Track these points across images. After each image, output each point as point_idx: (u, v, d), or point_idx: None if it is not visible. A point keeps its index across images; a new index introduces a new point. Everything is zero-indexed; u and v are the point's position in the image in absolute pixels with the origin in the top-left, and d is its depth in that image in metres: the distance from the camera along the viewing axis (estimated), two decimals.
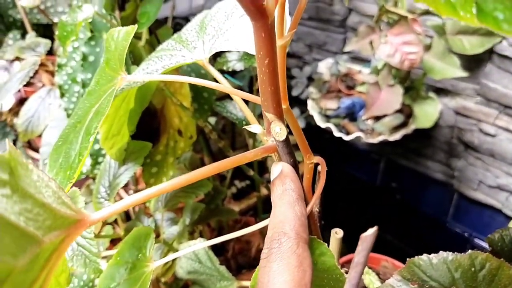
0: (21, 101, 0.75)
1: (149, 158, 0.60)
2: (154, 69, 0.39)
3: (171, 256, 0.40)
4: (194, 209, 0.62)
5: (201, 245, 0.56)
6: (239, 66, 0.58)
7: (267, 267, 0.24)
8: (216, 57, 0.63)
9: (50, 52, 0.79)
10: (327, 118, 1.25)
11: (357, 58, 1.35)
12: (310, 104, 1.28)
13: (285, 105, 0.29)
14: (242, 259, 0.59)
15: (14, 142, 1.02)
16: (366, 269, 0.57)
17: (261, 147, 0.31)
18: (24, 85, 0.71)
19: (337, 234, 0.37)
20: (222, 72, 0.62)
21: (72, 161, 0.29)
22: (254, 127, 0.32)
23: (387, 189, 1.41)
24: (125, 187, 0.81)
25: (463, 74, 0.97)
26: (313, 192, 0.36)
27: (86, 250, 0.40)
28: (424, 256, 0.26)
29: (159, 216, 0.66)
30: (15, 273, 0.16)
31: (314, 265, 0.27)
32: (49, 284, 0.20)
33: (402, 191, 1.40)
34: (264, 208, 0.91)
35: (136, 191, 0.69)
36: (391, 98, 0.94)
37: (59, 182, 0.30)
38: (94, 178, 0.58)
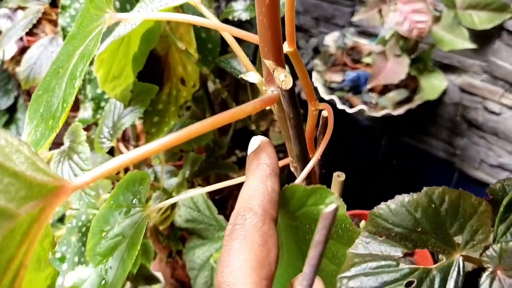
0: (23, 50, 0.74)
1: (151, 106, 0.59)
2: (145, 11, 0.38)
3: (169, 201, 0.39)
4: (195, 160, 0.61)
5: (199, 191, 0.56)
6: (245, 16, 0.57)
7: (228, 245, 0.22)
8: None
9: (54, 4, 0.78)
10: (331, 90, 1.24)
11: (364, 32, 1.33)
12: (314, 76, 1.26)
13: (292, 47, 0.27)
14: None
15: (16, 99, 1.02)
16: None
17: (259, 99, 0.29)
18: (27, 35, 0.70)
19: (339, 177, 0.37)
20: (227, 22, 0.61)
21: (55, 110, 0.27)
22: (251, 76, 0.29)
23: (387, 166, 1.41)
24: (126, 142, 0.81)
25: (472, 46, 0.96)
26: (316, 142, 0.35)
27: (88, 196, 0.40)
28: (382, 205, 0.25)
29: (159, 168, 0.66)
30: None
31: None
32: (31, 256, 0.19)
33: (403, 168, 1.39)
34: None
35: (136, 146, 0.69)
36: (398, 68, 0.93)
37: (39, 134, 0.28)
38: (96, 124, 0.58)
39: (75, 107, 0.60)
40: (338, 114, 1.28)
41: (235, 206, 0.25)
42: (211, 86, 0.83)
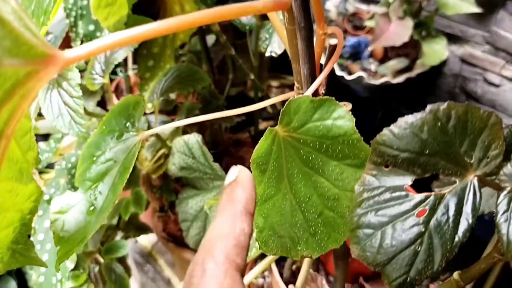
0: None
1: (145, 49, 0.57)
2: None
3: (173, 125, 0.37)
4: (190, 109, 0.59)
5: (194, 138, 0.54)
6: None
7: None
8: None
9: None
10: None
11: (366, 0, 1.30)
12: (315, 41, 1.23)
13: None
14: None
15: None
16: None
17: (271, 0, 0.28)
18: None
19: (346, 106, 0.35)
20: None
21: (46, 5, 0.26)
22: None
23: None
24: (119, 94, 0.79)
25: (477, 10, 0.94)
26: (321, 70, 0.33)
27: (72, 110, 0.38)
28: (385, 130, 0.23)
29: (153, 118, 0.64)
30: None
31: (328, 131, 0.25)
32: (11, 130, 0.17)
33: None
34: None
35: None
36: (401, 30, 0.91)
37: None
38: (86, 63, 0.55)
39: (67, 45, 0.57)
40: (336, 84, 1.26)
41: (198, 251, 0.21)
42: (209, 40, 0.80)
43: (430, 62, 1.00)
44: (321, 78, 0.29)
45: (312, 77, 0.30)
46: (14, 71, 0.15)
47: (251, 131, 0.80)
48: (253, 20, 0.65)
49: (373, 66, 1.15)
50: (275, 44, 0.58)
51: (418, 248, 0.21)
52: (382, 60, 1.15)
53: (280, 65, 1.30)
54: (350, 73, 1.15)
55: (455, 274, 0.35)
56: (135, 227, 0.61)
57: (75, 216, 0.34)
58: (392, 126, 0.23)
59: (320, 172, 0.25)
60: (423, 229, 0.22)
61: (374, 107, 1.40)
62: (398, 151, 0.22)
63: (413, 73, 1.09)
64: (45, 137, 0.68)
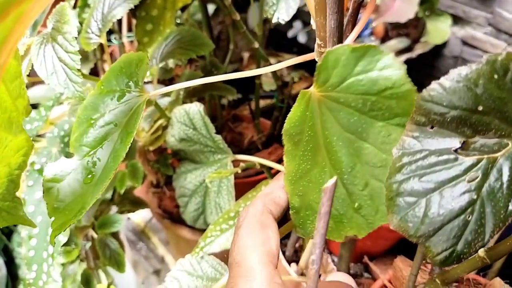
0: None
1: (144, 11, 0.53)
2: None
3: (176, 86, 0.34)
4: (190, 77, 0.56)
5: (196, 107, 0.51)
6: None
7: (235, 233, 0.26)
8: None
9: None
10: None
11: None
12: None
13: None
14: (234, 149, 0.55)
15: None
16: None
17: None
18: None
19: None
20: None
21: None
22: None
23: None
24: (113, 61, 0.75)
25: None
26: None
27: (68, 67, 0.34)
28: (434, 84, 0.20)
29: (151, 88, 0.60)
30: None
31: (373, 84, 0.22)
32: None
33: None
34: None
35: None
36: (406, 6, 0.88)
37: None
38: (81, 23, 0.51)
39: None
40: None
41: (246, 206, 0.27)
42: (210, 9, 0.76)
43: (434, 41, 0.97)
44: (356, 31, 0.26)
45: (340, 31, 0.27)
46: None
47: (251, 107, 0.77)
48: None
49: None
50: (282, 10, 0.55)
51: (469, 217, 0.19)
52: (383, 40, 1.13)
53: (276, 43, 1.26)
54: None
55: (481, 251, 0.33)
56: (130, 202, 0.58)
57: (71, 184, 0.31)
58: (442, 79, 0.20)
59: (364, 136, 0.23)
60: (475, 196, 0.19)
61: None
62: (448, 108, 0.20)
63: (413, 54, 1.07)
64: (34, 107, 0.65)
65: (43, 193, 0.30)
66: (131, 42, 0.73)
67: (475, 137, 0.20)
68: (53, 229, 0.28)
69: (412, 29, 1.11)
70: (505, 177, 0.19)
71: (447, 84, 0.20)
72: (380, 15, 0.92)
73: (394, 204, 0.20)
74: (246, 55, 1.22)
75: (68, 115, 0.52)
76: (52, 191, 0.30)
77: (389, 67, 0.21)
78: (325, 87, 0.23)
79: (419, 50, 1.07)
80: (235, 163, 0.56)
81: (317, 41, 0.30)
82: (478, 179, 0.19)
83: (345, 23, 0.30)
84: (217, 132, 0.54)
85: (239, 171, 0.51)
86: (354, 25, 0.29)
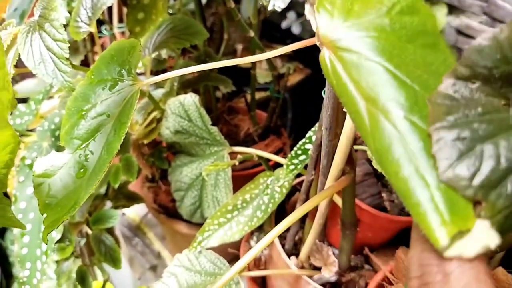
0: None
1: (135, 0, 0.51)
2: None
3: (171, 74, 0.33)
4: (184, 67, 0.54)
5: (191, 98, 0.50)
6: None
7: None
8: None
9: None
10: None
11: None
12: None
13: None
14: (230, 141, 0.54)
15: None
16: None
17: None
18: None
19: None
20: None
21: None
22: None
23: None
24: None
25: None
26: None
27: (56, 56, 0.33)
28: (486, 34, 0.18)
29: (144, 78, 0.58)
30: None
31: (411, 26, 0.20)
32: None
33: None
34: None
35: None
36: None
37: None
38: (70, 13, 0.49)
39: None
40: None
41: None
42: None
43: None
44: None
45: None
46: None
47: (247, 99, 0.76)
48: None
49: None
50: None
51: None
52: None
53: (270, 34, 1.24)
54: None
55: None
56: (125, 197, 0.57)
57: (62, 179, 0.30)
58: (498, 29, 0.18)
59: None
60: None
61: None
62: (500, 62, 0.18)
63: None
64: (24, 101, 0.63)
65: (34, 189, 0.28)
66: (122, 33, 0.71)
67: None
68: (45, 226, 0.27)
69: None
70: None
71: (503, 34, 0.18)
72: None
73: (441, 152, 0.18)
74: (239, 47, 1.20)
75: (59, 108, 0.50)
76: (43, 187, 0.29)
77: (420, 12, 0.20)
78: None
79: None
80: (232, 155, 0.55)
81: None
82: None
83: None
84: (213, 124, 0.53)
85: (237, 163, 0.50)
86: None
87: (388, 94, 0.20)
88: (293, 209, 0.49)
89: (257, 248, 0.37)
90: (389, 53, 0.21)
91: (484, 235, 0.16)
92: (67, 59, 0.33)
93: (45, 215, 0.28)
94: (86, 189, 0.28)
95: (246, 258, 0.38)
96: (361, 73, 0.21)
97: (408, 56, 0.21)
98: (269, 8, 0.53)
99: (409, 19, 0.20)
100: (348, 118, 0.35)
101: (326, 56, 0.23)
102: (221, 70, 0.74)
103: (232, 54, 1.19)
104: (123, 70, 0.29)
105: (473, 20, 1.31)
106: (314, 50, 0.27)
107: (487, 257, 0.17)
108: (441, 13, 0.98)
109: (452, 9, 1.27)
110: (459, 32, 1.28)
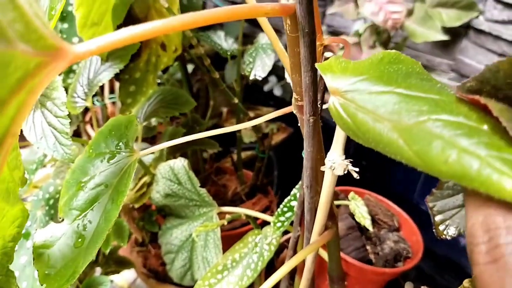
0: None
1: (127, 74, 0.55)
2: None
3: (159, 146, 0.36)
4: (173, 134, 0.57)
5: (180, 163, 0.52)
6: None
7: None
8: None
9: None
10: None
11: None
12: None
13: None
14: (218, 201, 0.56)
15: None
16: (353, 195, 0.55)
17: (278, 4, 0.27)
18: None
19: None
20: None
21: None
22: None
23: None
24: (96, 125, 0.76)
25: (444, 37, 0.98)
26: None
27: (57, 131, 0.35)
28: (506, 59, 0.20)
29: (135, 146, 0.61)
30: None
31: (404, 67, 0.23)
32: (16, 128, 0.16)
33: (372, 169, 1.40)
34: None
35: None
36: None
37: None
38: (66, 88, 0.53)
39: None
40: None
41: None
42: (189, 68, 0.80)
43: None
44: None
45: (314, 86, 0.29)
46: (25, 60, 0.14)
47: (233, 159, 0.79)
48: (234, 46, 0.66)
49: None
50: (258, 67, 0.58)
51: None
52: None
53: (253, 97, 1.31)
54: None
55: (465, 282, 0.34)
56: (115, 262, 0.57)
57: (61, 249, 0.31)
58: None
59: None
60: None
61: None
62: (508, 86, 0.19)
63: None
64: None
65: (34, 260, 0.30)
66: (113, 103, 0.75)
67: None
68: None
69: None
70: None
71: None
72: None
73: None
74: (224, 109, 1.26)
75: (53, 177, 0.52)
76: (43, 257, 0.30)
77: None
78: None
79: None
80: (221, 215, 0.56)
81: (294, 95, 0.33)
82: None
83: (318, 77, 0.33)
84: (201, 186, 0.55)
85: (225, 223, 0.52)
86: None
87: (409, 107, 0.22)
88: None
89: None
90: (394, 82, 0.24)
91: None
92: (67, 133, 0.35)
93: (44, 285, 0.29)
94: (84, 258, 0.29)
95: None
96: (375, 103, 0.24)
97: (411, 83, 0.24)
98: (251, 77, 0.58)
99: (398, 67, 0.23)
100: (327, 175, 0.37)
101: (336, 103, 0.25)
102: (208, 129, 0.78)
103: (218, 116, 1.24)
104: (121, 143, 0.32)
105: (443, 77, 1.39)
106: None
107: None
108: None
109: (424, 68, 1.35)
110: None
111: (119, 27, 0.46)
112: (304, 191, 0.40)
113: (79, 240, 0.31)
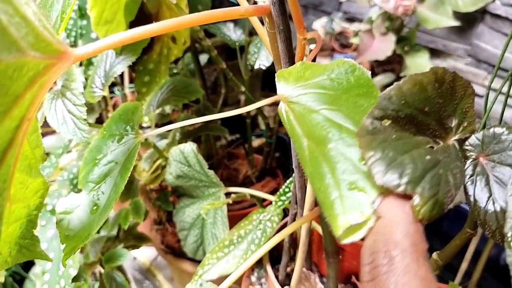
0: None
1: (142, 66, 0.60)
2: None
3: (168, 127, 0.40)
4: (186, 119, 0.62)
5: (189, 147, 0.57)
6: None
7: None
8: None
9: None
10: None
11: (351, 19, 1.36)
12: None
13: None
14: (230, 184, 0.60)
15: None
16: None
17: (253, 5, 0.31)
18: None
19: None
20: None
21: (54, 22, 0.29)
22: None
23: None
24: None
25: (455, 23, 0.99)
26: None
27: (76, 117, 0.40)
28: (394, 85, 0.24)
29: (149, 131, 0.67)
30: (1, 68, 0.16)
31: (347, 82, 0.27)
32: (32, 115, 0.20)
33: None
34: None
35: None
36: (384, 45, 0.95)
37: None
38: (87, 79, 0.58)
39: None
40: None
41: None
42: (202, 60, 0.84)
43: None
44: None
45: None
46: (36, 63, 0.18)
47: (246, 148, 0.83)
48: (242, 37, 0.69)
49: None
50: (263, 57, 0.62)
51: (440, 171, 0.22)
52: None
53: (272, 84, 1.34)
54: None
55: (434, 254, 0.37)
56: (135, 237, 0.63)
57: (79, 215, 0.36)
58: (401, 82, 0.24)
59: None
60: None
61: None
62: (404, 106, 0.24)
63: None
64: (46, 155, 0.71)
65: (56, 224, 0.35)
66: (132, 92, 0.81)
67: (416, 135, 0.25)
68: (65, 253, 0.34)
69: (396, 64, 1.19)
70: None
71: (405, 86, 0.24)
72: (360, 54, 0.99)
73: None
74: (242, 97, 1.30)
75: (77, 160, 0.58)
76: (63, 222, 0.35)
77: (357, 70, 0.27)
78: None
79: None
80: (228, 195, 0.61)
81: None
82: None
83: None
84: (214, 169, 0.60)
85: (230, 202, 0.56)
86: None
87: (322, 133, 0.26)
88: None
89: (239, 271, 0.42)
90: (326, 102, 0.28)
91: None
92: (85, 119, 0.40)
93: (64, 244, 0.35)
94: (97, 222, 0.34)
95: None
96: (305, 119, 0.28)
97: (343, 103, 0.27)
98: (256, 67, 0.61)
99: (346, 78, 0.27)
100: None
101: (282, 109, 0.30)
102: (224, 119, 0.82)
103: (236, 103, 1.28)
104: (128, 126, 0.37)
105: (460, 62, 1.39)
106: None
107: (426, 252, 0.19)
108: (423, 59, 1.06)
109: (440, 53, 1.35)
110: None
111: (131, 23, 0.51)
112: (294, 171, 0.44)
113: (94, 208, 0.36)
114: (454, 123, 0.25)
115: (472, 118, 0.25)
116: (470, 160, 0.25)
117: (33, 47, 0.18)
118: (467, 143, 0.26)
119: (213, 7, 0.64)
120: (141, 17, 0.56)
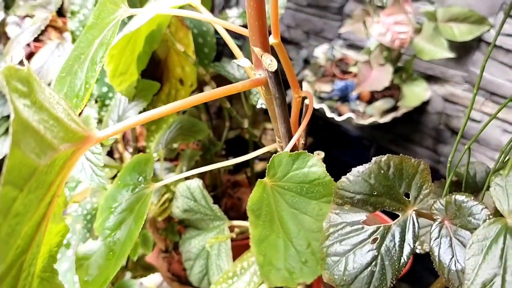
0: (30, 56, 0.79)
1: (151, 105, 0.64)
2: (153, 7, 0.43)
3: (178, 175, 0.44)
4: (191, 156, 0.66)
5: (196, 183, 0.61)
6: (238, 22, 0.62)
7: None
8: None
9: (60, 13, 0.83)
10: (321, 100, 1.30)
11: (352, 45, 1.40)
12: (305, 86, 1.32)
13: (276, 39, 0.31)
14: (233, 213, 0.64)
15: None
16: None
17: (250, 79, 0.34)
18: (34, 41, 0.75)
19: (319, 155, 0.42)
20: None
21: (78, 90, 0.31)
22: (243, 61, 0.34)
23: None
24: (125, 143, 0.86)
25: (451, 55, 1.02)
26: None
27: (94, 164, 0.44)
28: (343, 178, 0.30)
29: (158, 165, 0.70)
30: (38, 171, 0.19)
31: (306, 177, 0.32)
32: (60, 191, 0.24)
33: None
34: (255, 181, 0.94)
35: (135, 147, 0.73)
36: (382, 76, 0.99)
37: None
38: (101, 120, 0.62)
39: None
40: (328, 126, 1.33)
41: None
42: (207, 90, 0.88)
43: (410, 104, 1.08)
44: (296, 136, 0.35)
45: (289, 134, 0.37)
46: (65, 153, 0.22)
47: (248, 173, 0.86)
48: (246, 75, 0.73)
49: (361, 107, 1.23)
50: None
51: (374, 269, 0.27)
52: (369, 101, 1.23)
53: None
54: (340, 114, 1.23)
55: None
56: (142, 267, 0.66)
57: (97, 261, 0.40)
58: (348, 175, 0.29)
59: (304, 211, 0.32)
60: (376, 253, 0.28)
61: (365, 145, 1.47)
62: (354, 193, 0.29)
63: (398, 113, 1.17)
64: None
65: (76, 269, 0.39)
66: (142, 125, 0.85)
67: (375, 211, 0.29)
68: None
69: (396, 90, 1.23)
70: (397, 239, 0.28)
71: (351, 178, 0.29)
72: (358, 85, 1.03)
73: (325, 263, 0.29)
74: (246, 121, 1.34)
75: (90, 196, 0.62)
76: (83, 266, 0.39)
77: (315, 165, 0.31)
78: (274, 178, 0.33)
79: (403, 109, 1.17)
80: (232, 228, 0.64)
81: (277, 138, 0.40)
82: (378, 241, 0.28)
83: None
84: (218, 199, 0.63)
85: (234, 236, 0.60)
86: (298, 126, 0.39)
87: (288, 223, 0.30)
88: None
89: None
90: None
91: None
92: (102, 166, 0.44)
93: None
94: (114, 267, 0.38)
95: None
96: (280, 205, 0.33)
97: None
98: (258, 106, 0.65)
99: (318, 188, 0.31)
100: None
101: (268, 184, 0.34)
102: (229, 142, 0.86)
103: (240, 128, 1.32)
104: (141, 177, 0.41)
105: (457, 88, 1.42)
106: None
107: None
108: (421, 88, 1.10)
109: (437, 80, 1.38)
110: (445, 99, 1.38)
111: (143, 71, 0.55)
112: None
113: (110, 253, 0.40)
114: (411, 197, 0.29)
115: (430, 189, 0.29)
116: (437, 222, 0.29)
117: (63, 141, 0.22)
118: (433, 207, 0.29)
119: (217, 51, 0.68)
120: (152, 63, 0.60)
